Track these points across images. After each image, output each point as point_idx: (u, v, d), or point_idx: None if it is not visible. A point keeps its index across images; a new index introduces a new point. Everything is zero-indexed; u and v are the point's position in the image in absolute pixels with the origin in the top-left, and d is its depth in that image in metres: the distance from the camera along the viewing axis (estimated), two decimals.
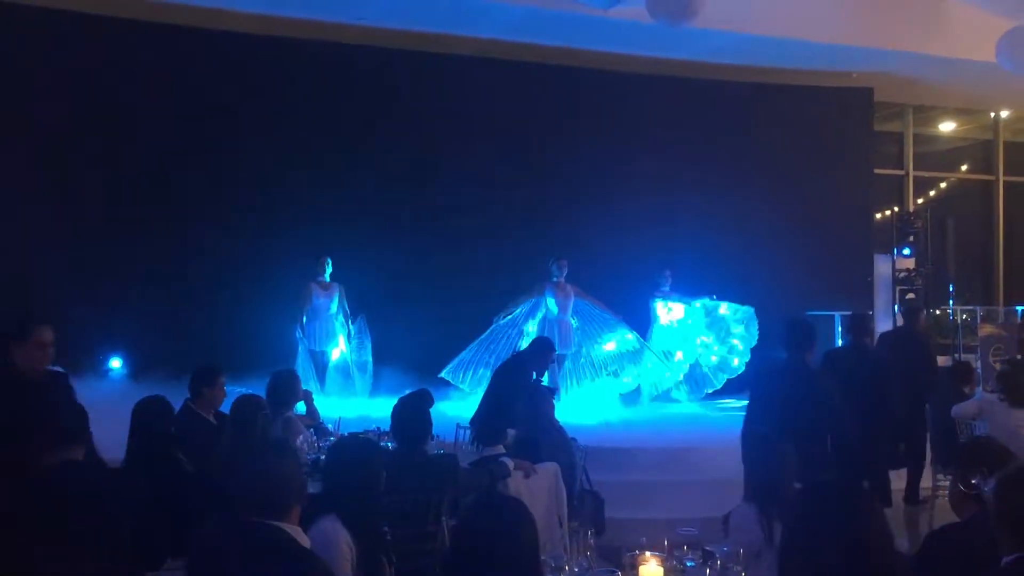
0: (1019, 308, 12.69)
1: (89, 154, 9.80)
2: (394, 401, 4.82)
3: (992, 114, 14.88)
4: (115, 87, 9.98)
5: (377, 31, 10.77)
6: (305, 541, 2.78)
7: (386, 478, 3.51)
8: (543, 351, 7.04)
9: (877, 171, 13.64)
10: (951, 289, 14.06)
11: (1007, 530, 2.38)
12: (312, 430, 5.95)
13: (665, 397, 10.57)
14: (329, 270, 9.79)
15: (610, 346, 10.17)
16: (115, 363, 9.60)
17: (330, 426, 6.07)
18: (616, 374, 10.10)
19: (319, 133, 10.72)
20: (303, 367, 9.23)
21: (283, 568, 2.65)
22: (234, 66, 10.44)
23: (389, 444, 4.82)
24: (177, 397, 5.30)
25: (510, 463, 4.96)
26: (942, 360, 11.56)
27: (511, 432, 5.79)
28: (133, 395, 5.06)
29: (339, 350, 9.89)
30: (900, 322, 9.30)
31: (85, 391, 5.25)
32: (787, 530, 2.15)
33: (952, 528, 2.94)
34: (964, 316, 13.55)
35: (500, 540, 2.08)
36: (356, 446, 3.50)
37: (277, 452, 2.94)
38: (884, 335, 8.52)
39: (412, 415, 4.60)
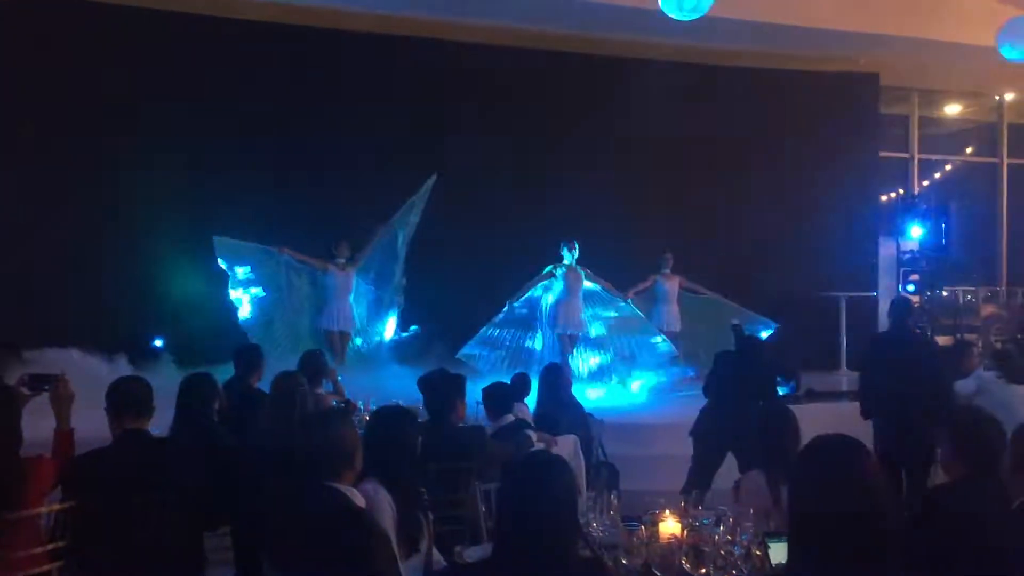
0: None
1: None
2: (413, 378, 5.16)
3: (997, 97, 15.05)
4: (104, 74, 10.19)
5: (389, 18, 10.98)
6: (360, 501, 3.06)
7: (420, 446, 3.80)
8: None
9: (882, 154, 13.87)
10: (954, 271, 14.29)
11: (1020, 474, 2.69)
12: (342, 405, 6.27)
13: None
14: (346, 252, 10.08)
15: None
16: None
17: (359, 403, 6.39)
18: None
19: (332, 116, 10.96)
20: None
21: (340, 526, 2.90)
22: (248, 57, 10.70)
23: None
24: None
25: (533, 435, 5.26)
26: (945, 340, 11.85)
27: (518, 406, 6.16)
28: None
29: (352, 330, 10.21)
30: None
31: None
32: (793, 485, 2.42)
33: (944, 488, 3.24)
34: (967, 297, 13.79)
35: (545, 488, 2.36)
36: (394, 413, 3.77)
37: (332, 418, 3.23)
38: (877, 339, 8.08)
39: (440, 388, 4.93)
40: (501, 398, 5.65)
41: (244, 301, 9.88)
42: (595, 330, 10.44)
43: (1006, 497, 3.09)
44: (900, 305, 7.06)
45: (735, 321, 9.26)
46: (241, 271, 9.83)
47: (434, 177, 10.42)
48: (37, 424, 4.00)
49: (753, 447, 4.28)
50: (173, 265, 10.13)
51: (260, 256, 9.93)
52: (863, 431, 6.30)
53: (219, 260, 9.71)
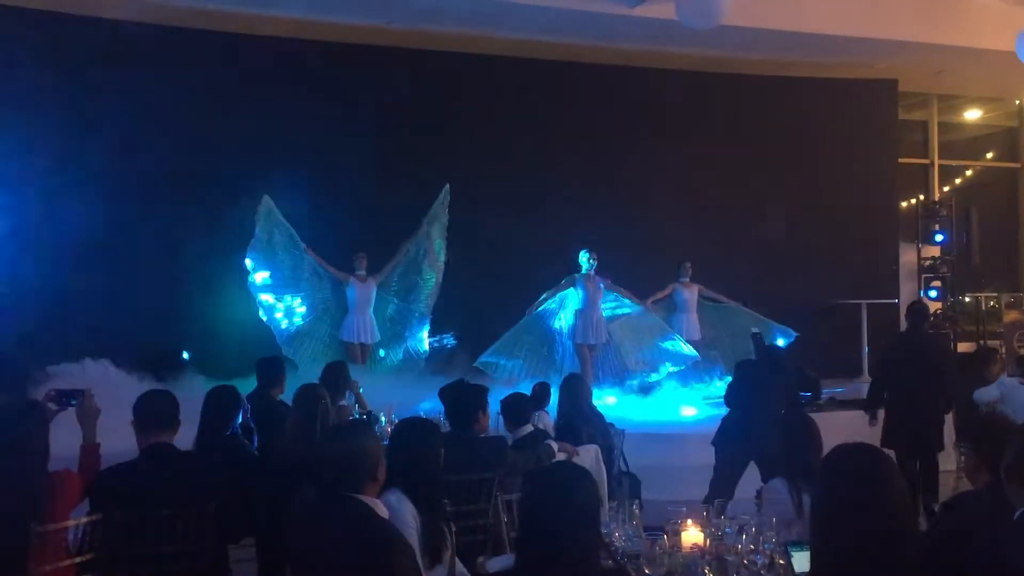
0: None
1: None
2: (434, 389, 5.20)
3: (1017, 101, 14.96)
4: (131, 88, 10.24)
5: (406, 33, 11.05)
6: (384, 512, 3.07)
7: (443, 457, 3.82)
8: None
9: (902, 160, 13.79)
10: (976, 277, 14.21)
11: (1016, 483, 2.68)
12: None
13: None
14: (365, 264, 10.15)
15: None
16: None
17: (382, 414, 6.42)
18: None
19: (354, 131, 11.01)
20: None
21: (364, 537, 2.91)
22: (272, 68, 10.78)
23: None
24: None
25: (554, 445, 5.28)
26: (967, 346, 11.77)
27: (540, 416, 6.19)
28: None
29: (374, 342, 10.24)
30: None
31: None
32: (816, 494, 2.43)
33: (967, 496, 3.23)
34: (990, 303, 13.70)
35: (567, 498, 2.38)
36: (417, 425, 3.79)
37: (354, 429, 3.25)
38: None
39: (463, 399, 4.95)
40: (519, 408, 5.67)
41: (277, 310, 9.97)
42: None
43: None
44: (917, 309, 7.63)
45: (755, 330, 9.26)
46: (250, 264, 9.91)
47: (447, 187, 10.47)
48: (63, 438, 4.04)
49: (775, 456, 4.27)
50: (201, 277, 10.20)
51: (289, 245, 10.02)
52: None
53: (256, 223, 9.85)
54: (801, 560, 2.80)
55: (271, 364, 6.28)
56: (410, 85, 11.22)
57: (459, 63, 11.48)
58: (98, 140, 9.90)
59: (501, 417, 5.80)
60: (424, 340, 10.60)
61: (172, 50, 10.36)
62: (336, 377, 6.32)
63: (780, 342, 10.31)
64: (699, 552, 3.16)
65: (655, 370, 10.35)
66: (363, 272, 10.17)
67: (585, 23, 10.82)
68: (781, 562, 3.02)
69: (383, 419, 6.28)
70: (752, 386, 6.67)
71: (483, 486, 4.62)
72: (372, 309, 10.20)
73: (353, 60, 11.15)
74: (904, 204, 14.10)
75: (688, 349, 10.38)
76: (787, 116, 12.51)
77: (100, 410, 4.08)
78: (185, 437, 4.73)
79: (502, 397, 5.81)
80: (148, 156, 10.17)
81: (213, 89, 10.51)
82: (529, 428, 5.57)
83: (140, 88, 10.13)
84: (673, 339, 10.40)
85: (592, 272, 10.25)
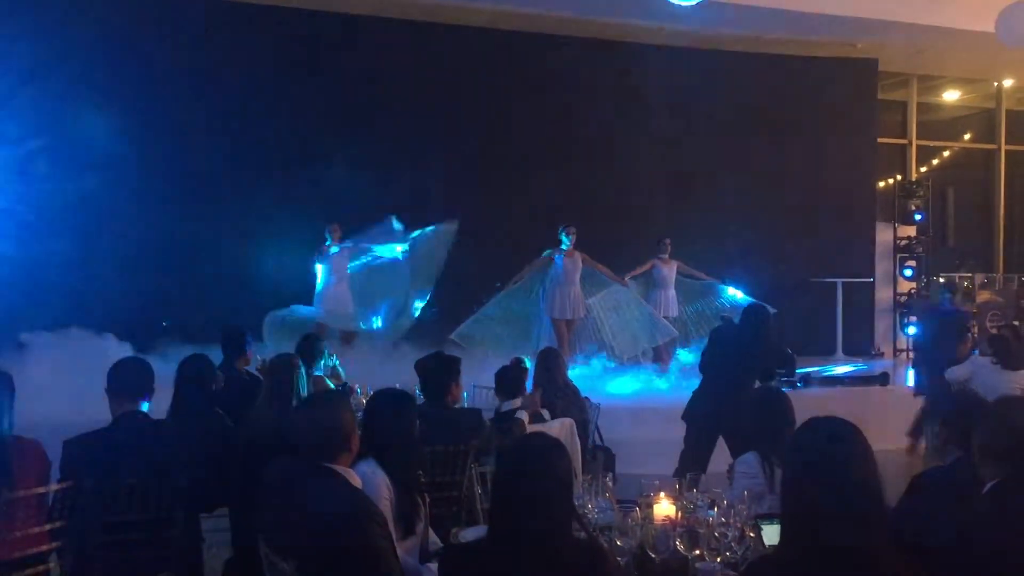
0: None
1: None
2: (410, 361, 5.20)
3: (995, 83, 15.03)
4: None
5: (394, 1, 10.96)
6: (357, 482, 3.07)
7: (418, 429, 3.81)
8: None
9: (880, 140, 13.86)
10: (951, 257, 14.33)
11: (989, 458, 2.72)
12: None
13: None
14: (338, 234, 10.05)
15: None
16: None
17: (356, 386, 6.40)
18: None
19: (337, 103, 10.93)
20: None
21: (337, 507, 2.91)
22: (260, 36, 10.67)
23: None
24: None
25: (525, 418, 5.29)
26: None
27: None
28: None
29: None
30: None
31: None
32: (786, 464, 2.44)
33: (936, 471, 3.27)
34: (964, 283, 13.81)
35: (540, 470, 2.39)
36: (392, 396, 3.78)
37: (329, 400, 3.24)
38: None
39: (436, 370, 4.95)
40: (512, 380, 5.67)
41: None
42: None
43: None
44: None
45: (724, 315, 9.29)
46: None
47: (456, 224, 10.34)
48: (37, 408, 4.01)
49: (747, 430, 4.30)
50: (185, 242, 10.09)
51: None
52: (857, 416, 6.39)
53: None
54: (771, 533, 2.83)
55: (234, 335, 6.15)
56: (386, 56, 11.12)
57: (436, 34, 11.38)
58: (78, 107, 9.77)
59: (477, 390, 5.76)
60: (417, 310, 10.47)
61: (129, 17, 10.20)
62: (311, 348, 6.29)
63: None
64: (671, 525, 3.17)
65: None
66: (336, 244, 10.05)
67: None
68: (751, 535, 3.04)
69: (358, 391, 6.27)
70: (724, 354, 6.62)
71: (457, 458, 4.62)
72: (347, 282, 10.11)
73: (325, 29, 11.02)
74: (881, 183, 14.17)
75: (667, 326, 10.42)
76: (767, 94, 12.51)
77: None
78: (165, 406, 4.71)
79: (490, 370, 5.78)
80: (129, 122, 10.05)
81: (187, 58, 10.39)
82: (518, 402, 5.54)
83: (108, 54, 10.00)
84: (651, 315, 10.43)
85: (571, 247, 10.24)
